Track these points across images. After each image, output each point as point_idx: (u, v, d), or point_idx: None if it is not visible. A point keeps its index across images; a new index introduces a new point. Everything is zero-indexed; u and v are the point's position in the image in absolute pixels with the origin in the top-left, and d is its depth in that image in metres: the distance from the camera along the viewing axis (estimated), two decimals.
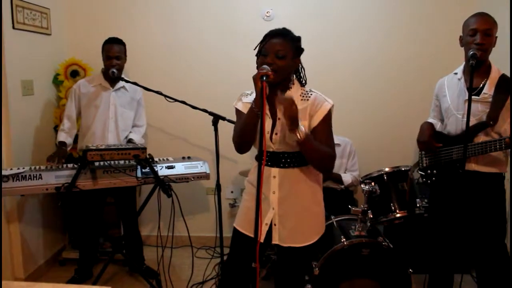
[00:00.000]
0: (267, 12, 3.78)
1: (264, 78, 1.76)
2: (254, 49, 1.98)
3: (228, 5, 3.85)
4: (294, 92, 2.00)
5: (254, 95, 1.95)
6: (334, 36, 3.87)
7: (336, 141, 3.61)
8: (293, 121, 1.81)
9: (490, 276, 2.45)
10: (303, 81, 2.08)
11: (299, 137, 1.83)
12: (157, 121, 3.95)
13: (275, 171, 2.02)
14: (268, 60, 1.88)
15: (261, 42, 1.95)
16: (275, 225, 2.06)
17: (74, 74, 3.64)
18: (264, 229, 2.05)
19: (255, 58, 1.98)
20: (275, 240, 2.07)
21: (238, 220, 2.20)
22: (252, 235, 1.95)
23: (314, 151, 1.90)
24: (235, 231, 2.19)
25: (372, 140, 3.96)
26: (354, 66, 3.90)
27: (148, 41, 3.91)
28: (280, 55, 1.88)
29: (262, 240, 2.05)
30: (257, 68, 1.91)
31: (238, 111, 2.11)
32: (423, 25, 3.81)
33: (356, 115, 3.95)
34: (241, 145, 2.05)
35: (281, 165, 2.01)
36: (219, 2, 3.84)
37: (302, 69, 2.08)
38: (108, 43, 3.17)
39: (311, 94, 2.01)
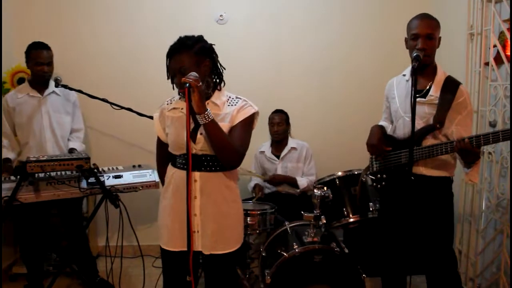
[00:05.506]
0: (220, 16, 3.74)
1: (187, 85, 1.75)
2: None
3: (182, 7, 3.79)
4: (219, 98, 1.99)
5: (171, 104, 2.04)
6: (289, 41, 3.85)
7: (293, 144, 3.64)
8: (200, 96, 1.78)
9: (438, 281, 2.44)
10: (221, 84, 2.04)
11: (204, 119, 1.81)
12: (110, 128, 3.87)
13: (196, 174, 1.95)
14: (177, 81, 1.88)
15: (167, 66, 1.96)
16: (198, 231, 1.98)
17: (21, 82, 3.50)
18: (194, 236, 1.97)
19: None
20: (198, 247, 2.00)
21: (166, 240, 2.06)
22: (185, 249, 1.89)
23: (216, 137, 1.86)
24: (167, 253, 2.06)
25: (331, 145, 3.95)
26: (309, 69, 3.89)
27: (100, 45, 3.83)
28: (183, 70, 1.87)
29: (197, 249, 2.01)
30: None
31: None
32: (372, 30, 3.88)
33: (314, 119, 3.94)
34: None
35: (203, 168, 1.96)
36: (174, 4, 3.79)
37: (216, 70, 2.03)
38: (36, 49, 3.01)
39: (238, 100, 2.01)
